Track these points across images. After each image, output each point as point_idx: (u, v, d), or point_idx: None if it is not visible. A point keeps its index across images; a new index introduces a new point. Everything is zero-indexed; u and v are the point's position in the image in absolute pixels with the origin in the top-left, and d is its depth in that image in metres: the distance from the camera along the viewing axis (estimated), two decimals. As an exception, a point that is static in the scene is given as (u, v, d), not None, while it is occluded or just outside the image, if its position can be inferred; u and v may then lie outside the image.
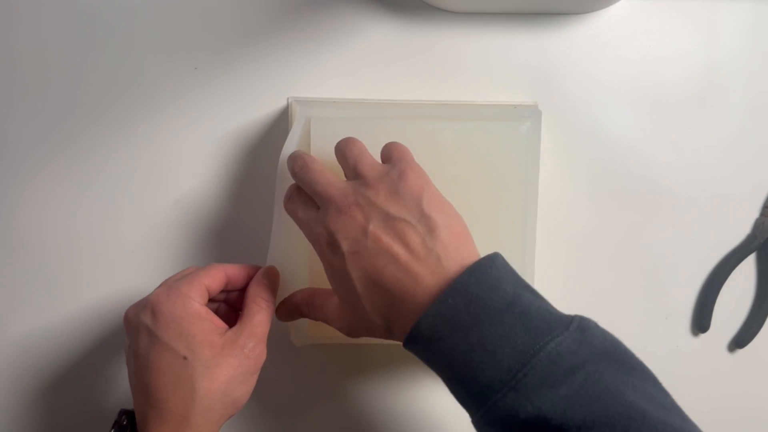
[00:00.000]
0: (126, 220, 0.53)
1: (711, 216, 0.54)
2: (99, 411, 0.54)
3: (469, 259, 0.39)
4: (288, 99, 0.52)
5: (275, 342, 0.53)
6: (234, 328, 0.42)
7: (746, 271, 0.55)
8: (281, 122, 0.53)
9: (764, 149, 0.54)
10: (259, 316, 0.43)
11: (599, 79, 0.54)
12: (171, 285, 0.42)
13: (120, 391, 0.54)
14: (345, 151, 0.43)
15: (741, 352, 0.55)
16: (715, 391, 0.54)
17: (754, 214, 0.54)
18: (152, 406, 0.40)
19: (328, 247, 0.40)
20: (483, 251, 0.48)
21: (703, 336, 0.54)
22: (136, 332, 0.41)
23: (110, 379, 0.54)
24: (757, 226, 0.54)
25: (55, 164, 0.53)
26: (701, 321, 0.54)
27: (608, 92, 0.54)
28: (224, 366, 0.40)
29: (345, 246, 0.39)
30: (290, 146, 0.47)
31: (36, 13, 0.52)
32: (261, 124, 0.53)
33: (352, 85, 0.53)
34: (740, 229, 0.54)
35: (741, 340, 0.54)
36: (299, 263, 0.48)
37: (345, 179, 0.43)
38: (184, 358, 0.40)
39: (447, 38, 0.53)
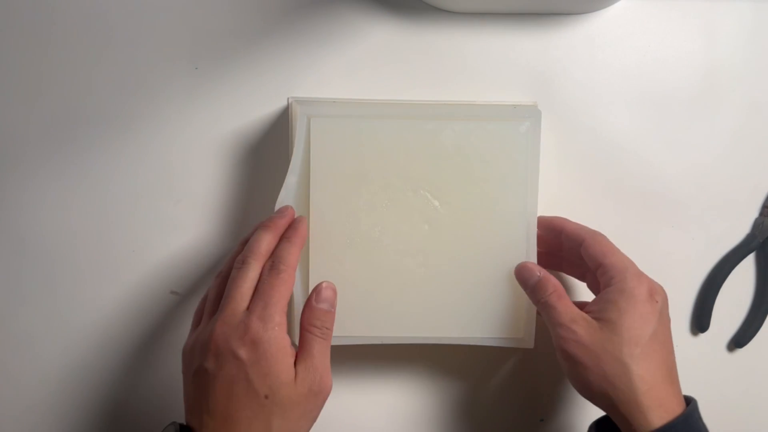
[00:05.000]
0: (127, 219, 0.53)
1: (710, 216, 0.54)
2: (99, 411, 0.54)
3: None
4: (288, 99, 0.52)
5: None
6: (300, 364, 0.41)
7: (745, 270, 0.55)
8: (281, 122, 0.53)
9: (764, 149, 0.54)
10: (317, 345, 0.42)
11: (599, 79, 0.54)
12: (265, 314, 0.41)
13: (123, 392, 0.54)
14: None
15: (740, 352, 0.55)
16: (715, 390, 0.54)
17: (754, 213, 0.55)
18: None
19: None
20: (483, 251, 0.48)
21: (702, 335, 0.54)
22: (223, 359, 0.40)
23: (110, 379, 0.54)
24: (757, 225, 0.54)
25: (56, 164, 0.53)
26: (701, 320, 0.54)
27: (608, 92, 0.54)
28: (296, 405, 0.40)
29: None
30: (298, 149, 0.47)
31: (37, 14, 0.52)
32: (261, 124, 0.53)
33: (352, 85, 0.53)
34: (739, 229, 0.54)
35: (740, 339, 0.54)
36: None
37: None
38: (266, 397, 0.40)
39: (447, 38, 0.53)
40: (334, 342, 0.49)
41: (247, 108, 0.53)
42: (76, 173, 0.53)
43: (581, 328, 0.43)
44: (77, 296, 0.53)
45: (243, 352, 0.40)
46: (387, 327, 0.48)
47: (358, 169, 0.48)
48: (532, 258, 0.49)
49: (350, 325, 0.48)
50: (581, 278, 0.51)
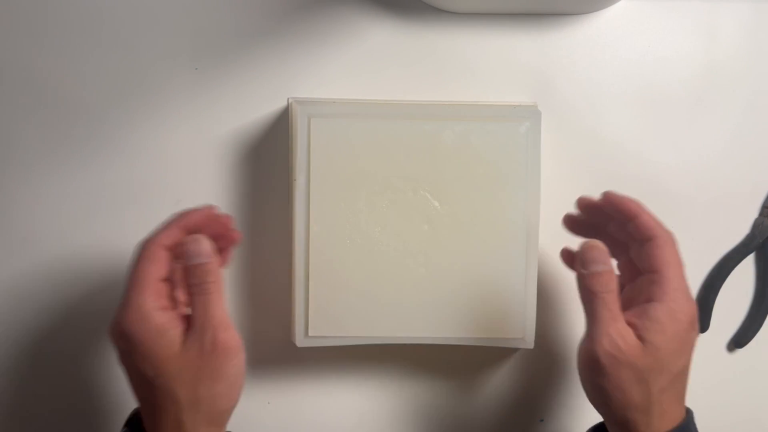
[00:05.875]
0: (127, 219, 0.53)
1: (710, 216, 0.54)
2: (98, 411, 0.54)
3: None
4: (288, 99, 0.52)
5: (276, 342, 0.53)
6: (188, 330, 0.40)
7: (745, 271, 0.55)
8: (281, 122, 0.53)
9: (764, 149, 0.54)
10: (200, 304, 0.40)
11: (599, 79, 0.54)
12: (128, 299, 0.40)
13: (118, 391, 0.54)
14: None
15: (740, 352, 0.55)
16: (714, 390, 0.54)
17: (754, 213, 0.55)
18: (156, 419, 0.41)
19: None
20: (483, 252, 0.48)
21: (702, 336, 0.54)
22: (116, 351, 0.42)
23: (109, 379, 0.54)
24: (756, 225, 0.54)
25: (56, 164, 0.53)
26: (700, 321, 0.54)
27: (608, 92, 0.54)
28: (190, 371, 0.40)
29: None
30: (302, 149, 0.47)
31: (37, 14, 0.52)
32: (261, 124, 0.53)
33: (352, 85, 0.53)
34: (739, 229, 0.54)
35: (740, 339, 0.54)
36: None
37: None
38: (154, 377, 0.40)
39: (447, 39, 0.53)
40: (335, 342, 0.49)
41: (247, 108, 0.53)
42: (75, 173, 0.53)
43: (625, 343, 0.40)
44: (75, 295, 0.53)
45: (120, 344, 0.41)
46: (387, 327, 0.48)
47: (358, 169, 0.48)
48: (533, 259, 0.49)
49: (350, 325, 0.48)
50: (615, 257, 0.46)
